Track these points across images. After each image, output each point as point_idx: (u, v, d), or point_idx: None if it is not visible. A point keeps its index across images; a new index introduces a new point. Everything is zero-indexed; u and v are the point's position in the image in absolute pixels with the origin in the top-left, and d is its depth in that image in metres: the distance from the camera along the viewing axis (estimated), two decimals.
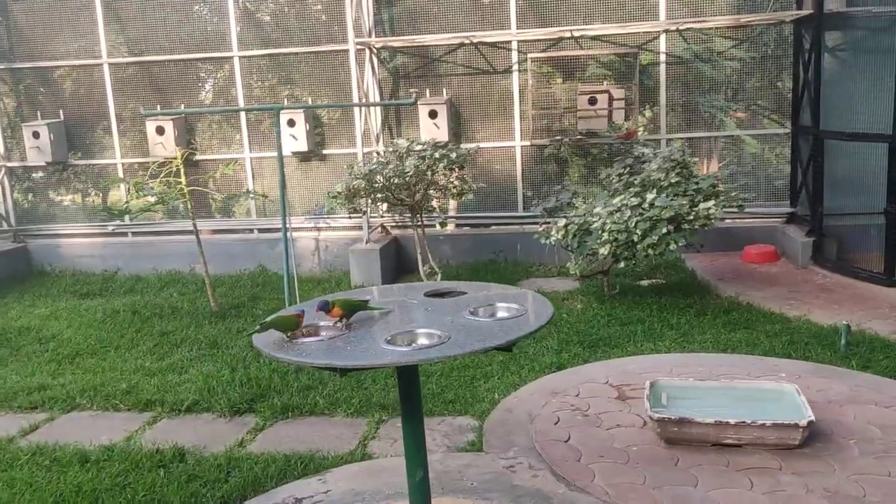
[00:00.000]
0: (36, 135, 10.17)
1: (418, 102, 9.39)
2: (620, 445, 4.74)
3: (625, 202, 7.47)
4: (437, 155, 8.12)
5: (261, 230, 10.38)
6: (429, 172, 8.12)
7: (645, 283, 8.57)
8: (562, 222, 7.86)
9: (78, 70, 10.54)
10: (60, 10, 10.30)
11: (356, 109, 9.62)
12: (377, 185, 8.08)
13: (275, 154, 9.98)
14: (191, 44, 10.18)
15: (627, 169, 8.28)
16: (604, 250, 7.42)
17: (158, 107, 10.09)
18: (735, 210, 8.13)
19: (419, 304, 3.65)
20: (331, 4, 9.90)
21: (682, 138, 9.58)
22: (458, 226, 10.17)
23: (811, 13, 8.81)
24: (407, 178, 8.02)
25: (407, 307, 3.62)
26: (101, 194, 11.00)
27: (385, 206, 9.47)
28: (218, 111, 10.23)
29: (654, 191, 7.56)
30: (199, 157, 10.30)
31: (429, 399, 5.64)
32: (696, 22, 9.23)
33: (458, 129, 9.89)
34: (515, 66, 9.71)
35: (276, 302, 8.51)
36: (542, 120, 9.77)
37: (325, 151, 10.16)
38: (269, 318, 3.36)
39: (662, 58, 9.54)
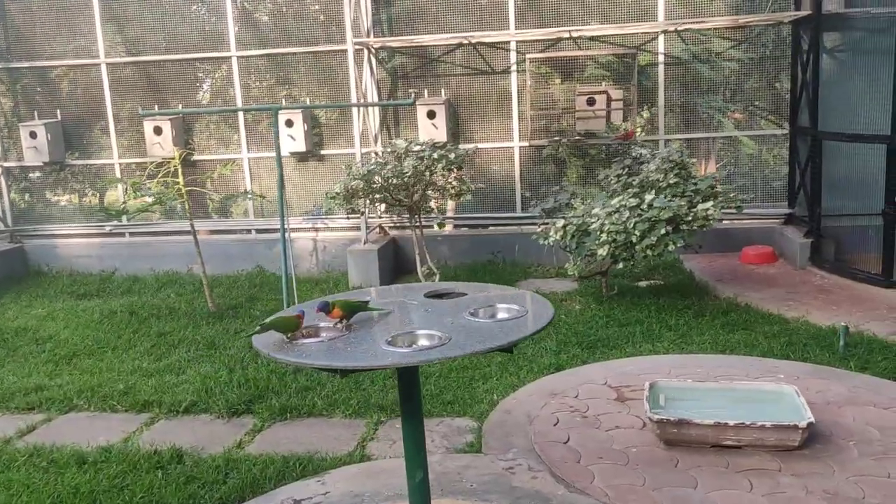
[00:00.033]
0: (33, 135, 10.14)
1: (416, 103, 9.39)
2: (620, 447, 4.73)
3: (623, 203, 7.47)
4: (435, 155, 8.11)
5: (258, 230, 10.36)
6: (427, 173, 8.11)
7: (643, 284, 8.57)
8: (560, 223, 7.85)
9: (75, 70, 10.51)
10: (58, 9, 10.28)
11: (354, 110, 9.61)
12: (375, 185, 8.07)
13: (272, 154, 9.97)
14: (189, 44, 10.16)
15: (626, 170, 8.28)
16: (602, 251, 7.42)
17: (156, 107, 10.07)
18: (733, 211, 8.13)
19: (419, 305, 3.64)
20: (329, 5, 9.89)
21: (680, 139, 9.58)
22: (455, 226, 10.16)
23: (809, 14, 8.82)
24: (405, 179, 8.00)
25: (407, 308, 3.61)
26: (98, 194, 10.97)
27: (383, 206, 9.47)
28: (216, 111, 10.21)
29: (653, 192, 7.56)
30: (196, 157, 10.27)
31: (427, 400, 5.63)
32: (694, 23, 9.23)
33: (456, 130, 9.88)
34: (514, 67, 9.71)
35: (273, 303, 8.50)
36: (540, 120, 9.76)
37: (322, 152, 10.14)
38: (269, 319, 3.35)
39: (661, 58, 9.54)
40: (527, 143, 9.81)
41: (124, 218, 9.60)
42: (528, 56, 9.55)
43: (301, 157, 10.12)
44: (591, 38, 9.52)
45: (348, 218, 9.84)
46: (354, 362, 2.99)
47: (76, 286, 9.77)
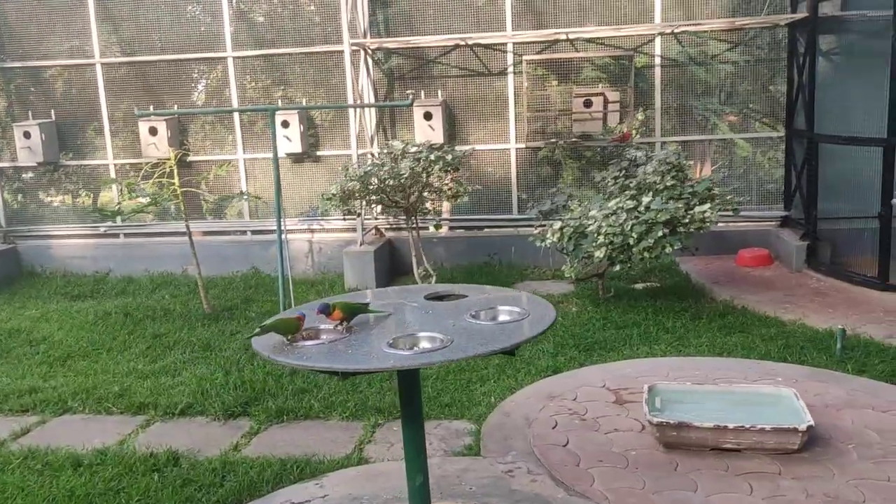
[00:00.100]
0: (27, 135, 10.08)
1: (413, 104, 9.36)
2: (619, 450, 4.72)
3: (620, 205, 7.46)
4: (432, 157, 8.09)
5: (254, 232, 10.32)
6: (424, 175, 8.08)
7: (639, 286, 8.56)
8: (557, 225, 7.84)
9: (70, 70, 10.45)
10: (52, 9, 10.22)
11: (351, 111, 9.58)
12: (372, 187, 8.05)
13: (267, 155, 9.96)
14: (184, 44, 10.11)
15: (623, 172, 8.27)
16: (599, 253, 7.41)
17: (151, 107, 10.02)
18: (730, 213, 8.13)
19: (419, 308, 3.62)
20: (325, 5, 9.86)
21: (676, 141, 9.58)
22: (451, 228, 10.13)
23: (806, 17, 8.83)
24: (402, 180, 7.98)
25: (407, 310, 3.59)
26: (91, 195, 10.91)
27: (379, 208, 9.45)
28: (213, 112, 10.17)
29: (650, 194, 7.55)
30: (192, 157, 10.23)
31: (425, 403, 5.59)
32: (690, 25, 9.23)
33: (452, 131, 9.86)
34: (510, 68, 9.70)
35: (269, 304, 8.47)
36: (536, 122, 9.75)
37: (318, 153, 10.11)
38: (268, 321, 3.33)
39: (657, 60, 9.54)
40: (523, 145, 9.80)
41: (119, 219, 9.55)
42: (524, 58, 9.54)
43: (296, 159, 10.09)
44: (588, 40, 9.52)
45: (344, 219, 9.81)
46: (355, 365, 2.97)
47: (70, 287, 9.72)
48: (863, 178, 8.28)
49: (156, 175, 8.28)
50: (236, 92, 10.09)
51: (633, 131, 9.58)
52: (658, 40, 9.49)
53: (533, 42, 9.59)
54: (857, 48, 9.04)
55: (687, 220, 7.34)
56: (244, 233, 10.40)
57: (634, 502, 4.14)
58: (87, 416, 5.90)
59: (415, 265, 8.67)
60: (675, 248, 7.31)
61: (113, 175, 10.39)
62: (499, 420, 5.28)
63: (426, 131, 9.38)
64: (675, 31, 9.34)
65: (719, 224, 9.48)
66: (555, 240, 7.82)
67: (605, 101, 9.37)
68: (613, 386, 5.72)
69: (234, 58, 10.02)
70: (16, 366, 7.00)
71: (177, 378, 6.48)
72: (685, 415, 4.73)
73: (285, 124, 9.60)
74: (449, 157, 8.16)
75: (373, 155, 9.75)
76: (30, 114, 10.42)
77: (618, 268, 7.61)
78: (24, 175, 10.85)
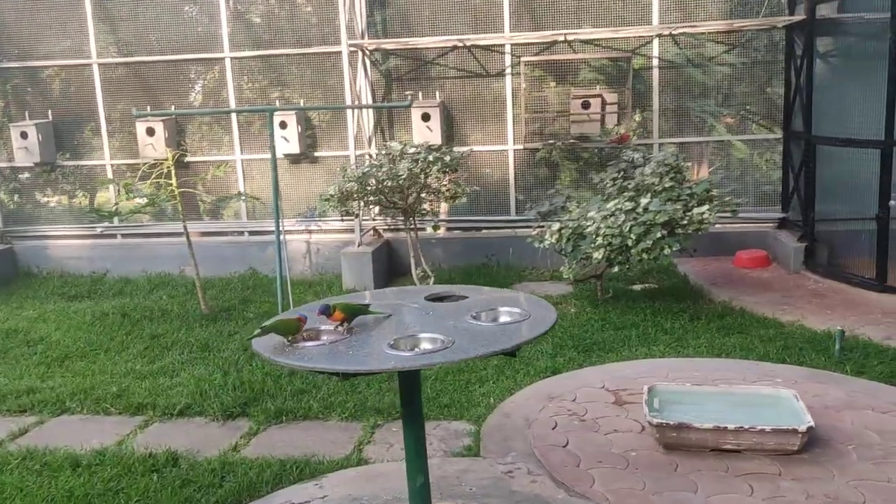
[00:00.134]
0: (24, 135, 10.05)
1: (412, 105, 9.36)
2: (619, 451, 4.71)
3: (619, 206, 7.46)
4: (430, 158, 8.09)
5: (251, 232, 10.31)
6: (422, 175, 8.08)
7: (638, 287, 8.57)
8: (556, 226, 7.84)
9: (67, 70, 10.43)
10: (49, 9, 10.20)
11: (348, 112, 9.57)
12: (370, 187, 8.04)
13: (265, 156, 9.95)
14: (181, 45, 10.09)
15: (621, 173, 8.27)
16: (598, 255, 7.41)
17: (148, 108, 10.00)
18: (728, 215, 8.14)
19: (420, 309, 3.61)
20: (322, 6, 9.85)
21: (674, 143, 9.58)
22: (449, 229, 10.13)
23: (803, 19, 8.84)
24: (400, 182, 7.98)
25: (408, 311, 3.58)
26: (88, 196, 10.88)
27: (377, 209, 9.44)
28: (211, 112, 10.16)
29: (649, 195, 7.55)
30: (189, 158, 10.21)
31: (424, 403, 5.55)
32: (688, 26, 9.24)
33: (450, 133, 9.85)
34: (508, 70, 9.70)
35: (267, 305, 8.46)
36: (534, 123, 9.75)
37: (316, 154, 10.10)
38: (269, 322, 3.32)
39: (655, 62, 9.55)
40: (521, 147, 9.80)
41: (116, 219, 9.54)
42: (522, 59, 9.54)
43: (294, 159, 10.08)
44: (586, 42, 9.52)
45: (342, 220, 9.79)
46: (357, 366, 2.96)
47: (67, 288, 9.69)
48: (860, 180, 8.30)
49: (153, 175, 8.26)
50: (234, 93, 10.07)
51: (631, 133, 9.58)
52: (656, 42, 9.50)
53: (531, 43, 9.59)
54: (855, 50, 9.06)
55: (685, 222, 7.35)
56: (242, 233, 10.39)
57: (635, 503, 4.13)
58: (86, 416, 5.88)
59: (413, 266, 8.66)
60: (674, 249, 7.31)
61: (110, 175, 10.37)
62: (498, 421, 5.27)
63: (424, 132, 9.38)
64: (673, 32, 9.35)
65: (717, 225, 9.47)
66: (553, 241, 7.82)
67: (603, 103, 9.38)
68: (613, 387, 5.72)
69: (232, 58, 10.00)
70: (13, 366, 6.98)
71: (175, 379, 6.46)
72: (685, 416, 4.73)
73: (283, 125, 9.59)
74: (447, 159, 8.16)
75: (371, 156, 9.74)
76: (27, 114, 10.39)
77: (616, 269, 7.61)
78: (20, 175, 10.82)
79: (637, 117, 9.70)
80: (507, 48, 9.66)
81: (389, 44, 9.66)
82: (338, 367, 2.93)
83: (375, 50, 9.79)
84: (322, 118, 10.16)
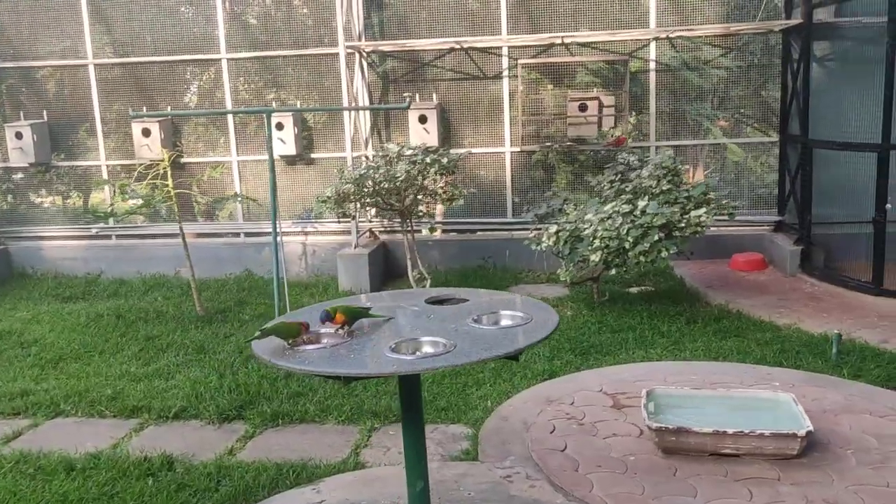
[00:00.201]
0: (19, 135, 10.00)
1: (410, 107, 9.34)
2: (618, 455, 4.70)
3: (616, 209, 7.45)
4: (428, 160, 8.07)
5: (247, 234, 10.27)
6: (419, 177, 8.06)
7: (634, 290, 8.56)
8: (553, 229, 7.83)
9: (63, 70, 10.38)
10: (45, 9, 10.15)
11: (345, 113, 9.54)
12: (367, 189, 8.01)
13: (260, 157, 9.93)
14: (178, 46, 10.05)
15: (619, 176, 8.26)
16: (595, 257, 7.40)
17: (144, 108, 9.96)
18: (726, 218, 8.14)
19: (421, 312, 3.59)
20: (319, 8, 9.82)
21: (671, 146, 9.57)
22: (445, 231, 10.11)
23: (800, 23, 8.85)
24: (397, 183, 7.95)
25: (408, 314, 3.56)
26: (82, 196, 10.82)
27: (374, 210, 9.42)
28: (208, 113, 10.12)
29: (646, 198, 7.55)
30: (185, 159, 10.17)
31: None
32: (686, 30, 9.25)
33: (447, 135, 9.84)
34: (506, 72, 9.68)
35: (263, 307, 8.42)
36: (530, 126, 9.74)
37: (313, 155, 10.07)
38: (269, 325, 3.29)
39: (652, 65, 9.55)
40: (518, 149, 9.78)
41: (111, 220, 9.49)
42: (519, 61, 9.53)
43: (290, 161, 10.05)
44: (583, 45, 9.52)
45: (339, 222, 9.76)
46: (358, 369, 2.94)
47: (61, 289, 9.63)
48: (856, 184, 8.32)
49: (149, 176, 8.22)
50: (230, 94, 10.03)
51: (628, 137, 9.57)
52: (653, 45, 9.50)
53: (528, 46, 9.58)
54: (852, 54, 9.08)
55: (683, 225, 7.35)
56: (237, 235, 10.35)
57: None
58: (80, 419, 5.83)
59: (409, 268, 8.63)
60: (671, 252, 7.31)
61: (105, 176, 10.32)
62: (496, 424, 5.25)
63: (421, 134, 9.36)
64: (670, 36, 9.35)
65: (713, 228, 9.48)
66: (550, 243, 7.81)
67: (600, 106, 9.37)
68: (611, 390, 5.70)
69: (228, 60, 9.97)
70: (7, 368, 6.93)
71: (170, 381, 6.42)
72: (684, 420, 4.72)
73: (279, 126, 9.56)
74: (444, 161, 8.14)
75: (367, 157, 9.72)
76: (21, 114, 10.34)
77: (613, 272, 7.60)
78: (14, 176, 10.76)
79: (633, 120, 9.70)
80: (505, 50, 9.65)
81: (386, 46, 9.64)
82: (339, 371, 2.91)
83: (372, 52, 9.77)
84: (318, 120, 10.14)
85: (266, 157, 7.58)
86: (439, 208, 9.84)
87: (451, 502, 4.26)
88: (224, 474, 4.77)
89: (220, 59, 9.98)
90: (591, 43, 9.50)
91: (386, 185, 7.96)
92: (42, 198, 10.88)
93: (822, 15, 8.90)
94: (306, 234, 10.11)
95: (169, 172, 8.07)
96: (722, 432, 4.52)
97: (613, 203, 7.60)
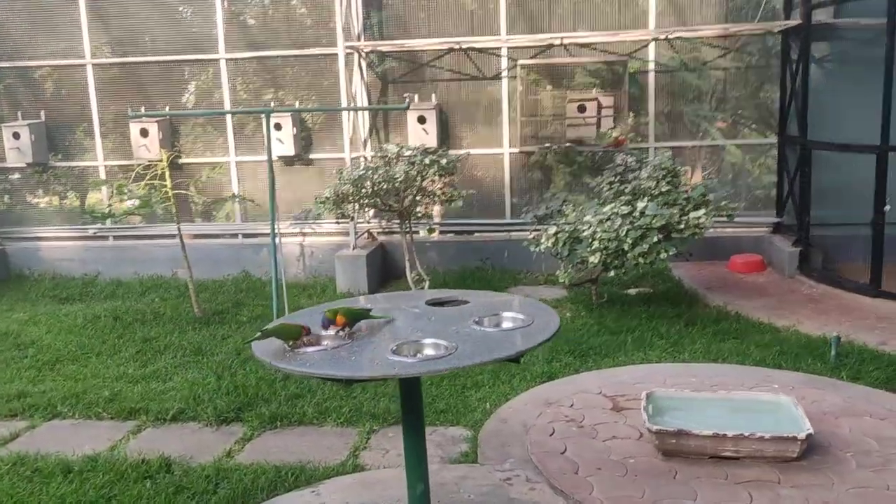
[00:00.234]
0: (16, 135, 9.96)
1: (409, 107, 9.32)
2: (618, 457, 4.68)
3: (615, 210, 7.45)
4: (427, 161, 8.05)
5: (245, 235, 10.24)
6: (419, 178, 8.04)
7: (632, 291, 8.55)
8: (552, 230, 7.81)
9: (60, 70, 10.34)
10: (43, 8, 10.11)
11: (344, 114, 9.52)
12: (365, 190, 7.99)
13: (258, 158, 9.91)
14: (176, 45, 10.02)
15: (618, 177, 8.25)
16: (594, 258, 7.39)
17: (143, 108, 9.93)
18: (725, 219, 8.13)
19: (421, 313, 3.57)
20: (318, 8, 9.80)
21: (669, 147, 9.56)
22: (442, 232, 10.09)
23: (799, 24, 8.85)
24: (396, 184, 7.94)
25: (409, 316, 3.54)
26: (80, 197, 10.78)
27: (372, 212, 9.40)
28: (206, 114, 10.09)
29: (645, 199, 7.54)
30: (183, 160, 10.14)
31: None
32: (685, 31, 9.24)
33: (446, 135, 9.82)
34: (505, 73, 9.67)
35: (260, 308, 8.40)
36: (528, 126, 9.73)
37: (311, 156, 10.05)
38: (270, 326, 3.27)
39: (651, 66, 9.54)
40: (517, 150, 9.77)
41: (109, 221, 9.46)
42: (519, 62, 9.52)
43: (288, 161, 10.02)
44: (583, 45, 9.51)
45: (337, 223, 9.74)
46: (360, 372, 2.92)
47: (58, 290, 9.60)
48: (855, 185, 8.32)
49: (147, 177, 8.19)
50: (228, 94, 10.01)
51: (626, 138, 9.56)
52: (652, 46, 9.50)
53: (527, 46, 9.57)
54: (851, 55, 9.08)
55: (682, 226, 7.34)
56: (235, 236, 10.32)
57: None
58: (77, 421, 5.80)
59: (408, 269, 8.61)
60: (670, 253, 7.30)
61: (103, 176, 10.29)
62: (496, 427, 5.23)
63: (420, 135, 9.34)
64: (670, 37, 9.34)
65: (711, 230, 9.47)
66: (549, 245, 7.79)
67: (599, 107, 9.36)
68: (610, 392, 5.69)
69: (227, 60, 9.94)
70: (4, 370, 6.89)
71: (168, 383, 6.40)
72: (684, 422, 4.70)
73: (278, 127, 9.53)
74: (444, 161, 8.12)
75: (366, 158, 9.70)
76: (19, 114, 10.30)
77: (612, 273, 7.59)
78: (12, 176, 10.72)
79: (630, 121, 9.68)
80: (504, 51, 9.64)
81: (385, 46, 9.62)
82: (341, 374, 2.89)
83: (371, 52, 9.76)
84: (316, 120, 10.11)
85: (264, 157, 7.56)
86: (437, 209, 9.83)
87: None
88: (222, 477, 4.74)
89: (218, 60, 9.96)
90: (590, 44, 9.50)
91: (385, 186, 7.94)
92: (39, 198, 10.84)
93: (821, 16, 8.91)
94: (304, 234, 10.09)
95: (167, 173, 8.04)
96: (722, 435, 4.51)
97: (612, 204, 7.59)
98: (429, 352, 3.06)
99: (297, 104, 9.93)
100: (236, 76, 10.12)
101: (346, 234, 9.64)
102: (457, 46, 9.52)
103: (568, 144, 9.57)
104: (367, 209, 8.75)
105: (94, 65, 10.16)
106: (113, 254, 10.31)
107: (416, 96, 9.72)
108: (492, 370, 6.25)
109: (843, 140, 8.27)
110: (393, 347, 3.06)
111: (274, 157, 9.50)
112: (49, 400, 6.06)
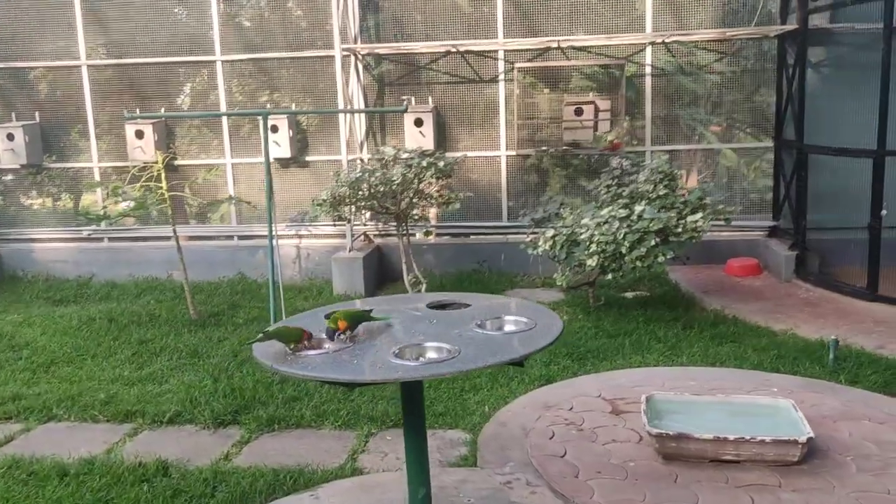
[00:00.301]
0: (10, 137, 9.91)
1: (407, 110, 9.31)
2: (618, 461, 4.67)
3: (613, 214, 7.44)
4: (424, 163, 8.04)
5: (241, 237, 10.20)
6: (416, 181, 8.03)
7: (630, 295, 8.55)
8: (549, 233, 7.80)
9: (55, 71, 10.29)
10: (38, 9, 10.06)
11: (340, 116, 9.50)
12: (362, 193, 7.98)
13: (254, 160, 9.88)
14: (172, 47, 9.99)
15: (615, 181, 8.25)
16: (591, 262, 7.38)
17: (138, 110, 9.89)
18: (722, 223, 8.14)
19: (423, 316, 3.55)
20: (314, 10, 9.78)
21: (666, 150, 9.57)
22: (439, 235, 10.07)
23: (796, 28, 8.88)
24: (393, 187, 7.92)
25: (410, 319, 3.52)
26: (73, 198, 10.72)
27: (368, 214, 9.37)
28: (202, 115, 10.06)
29: (643, 203, 7.54)
30: (179, 161, 10.10)
31: None
32: (681, 35, 9.25)
33: (442, 138, 9.81)
34: (501, 76, 9.67)
35: (256, 310, 8.37)
36: (525, 129, 9.72)
37: (308, 158, 10.02)
38: (271, 328, 3.25)
39: (648, 70, 9.54)
40: (514, 153, 9.76)
41: (103, 223, 9.41)
42: (516, 65, 9.51)
43: (284, 164, 9.99)
44: (579, 49, 9.51)
45: (334, 225, 9.72)
46: (363, 376, 2.90)
47: (53, 292, 9.55)
48: (852, 189, 8.33)
49: (143, 179, 8.15)
50: (224, 96, 9.97)
51: (622, 141, 9.56)
52: (649, 49, 9.50)
53: (524, 50, 9.56)
54: (847, 60, 9.11)
55: (679, 230, 7.34)
56: (231, 238, 10.28)
57: None
58: (73, 423, 5.76)
59: (405, 272, 8.59)
60: (668, 257, 7.30)
61: (97, 178, 10.24)
62: (495, 430, 5.22)
63: (416, 137, 9.32)
64: (666, 40, 9.35)
65: (708, 233, 9.48)
66: (547, 247, 7.78)
67: (596, 110, 9.36)
68: (609, 396, 5.67)
69: (223, 61, 9.91)
70: None
71: (164, 385, 6.36)
72: (684, 426, 4.70)
73: (274, 129, 9.50)
74: (441, 164, 8.11)
75: (363, 161, 9.68)
76: (13, 115, 10.24)
77: (609, 276, 7.59)
78: (6, 177, 10.66)
79: (627, 124, 9.68)
80: (501, 54, 9.63)
81: (382, 48, 9.60)
82: (343, 378, 2.87)
83: (368, 54, 9.74)
84: (312, 122, 10.09)
85: (260, 159, 7.53)
86: (434, 212, 9.81)
87: None
88: (220, 480, 4.71)
89: (214, 61, 9.92)
90: (587, 47, 9.50)
91: (382, 189, 7.92)
92: (33, 200, 10.78)
93: (818, 21, 8.94)
94: (300, 237, 10.05)
95: (163, 175, 8.01)
96: (723, 438, 4.50)
97: (610, 208, 7.59)
98: (431, 355, 3.04)
99: (293, 106, 9.91)
100: (232, 78, 10.09)
101: (343, 236, 9.61)
102: (454, 49, 9.51)
103: (564, 147, 9.57)
104: (363, 211, 8.73)
105: (89, 66, 10.12)
106: (108, 255, 10.25)
107: (413, 99, 9.71)
108: (490, 373, 6.22)
109: (840, 144, 8.28)
110: (395, 351, 3.04)
111: (271, 159, 9.48)
112: (44, 402, 6.01)
